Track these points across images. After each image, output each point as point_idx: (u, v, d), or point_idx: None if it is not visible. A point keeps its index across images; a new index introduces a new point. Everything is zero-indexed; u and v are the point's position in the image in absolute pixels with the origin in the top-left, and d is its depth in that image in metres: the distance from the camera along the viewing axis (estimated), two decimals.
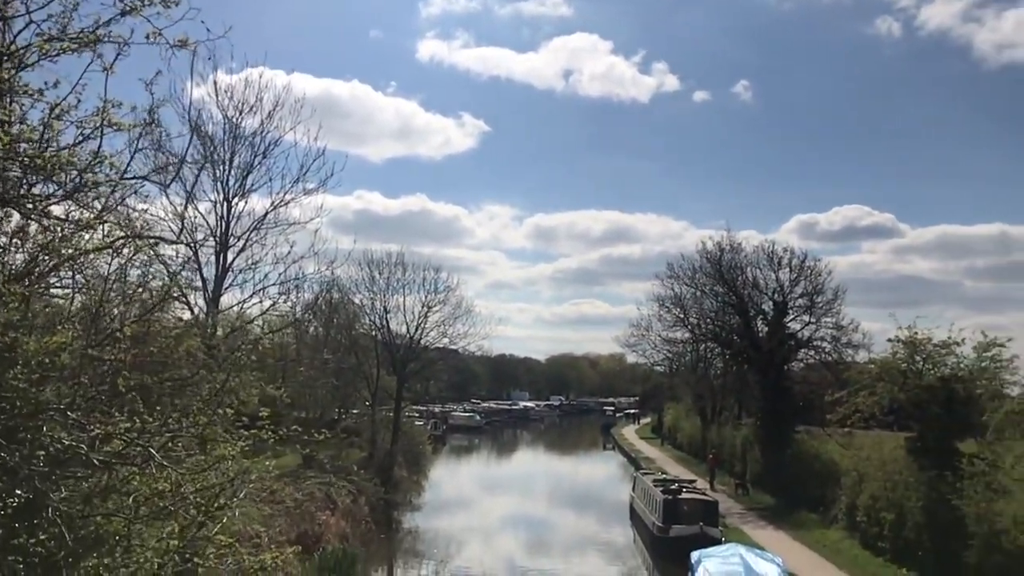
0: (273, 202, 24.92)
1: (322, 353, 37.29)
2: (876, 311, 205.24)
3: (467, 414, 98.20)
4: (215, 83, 24.48)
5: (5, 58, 7.86)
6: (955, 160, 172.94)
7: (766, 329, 44.10)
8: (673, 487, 31.81)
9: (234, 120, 24.96)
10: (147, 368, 10.66)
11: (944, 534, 22.23)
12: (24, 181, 8.36)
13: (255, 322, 27.39)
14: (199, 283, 22.52)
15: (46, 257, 8.59)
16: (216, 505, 9.09)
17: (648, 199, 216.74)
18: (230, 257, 24.13)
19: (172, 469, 8.28)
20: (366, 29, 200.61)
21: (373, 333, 44.90)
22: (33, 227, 8.64)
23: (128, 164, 9.12)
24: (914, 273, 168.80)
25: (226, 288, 23.95)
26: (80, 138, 8.04)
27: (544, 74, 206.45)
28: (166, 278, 11.61)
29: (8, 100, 7.92)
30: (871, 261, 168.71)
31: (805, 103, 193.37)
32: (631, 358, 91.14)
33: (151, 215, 15.78)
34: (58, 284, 9.70)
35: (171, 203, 22.29)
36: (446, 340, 45.76)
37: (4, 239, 8.58)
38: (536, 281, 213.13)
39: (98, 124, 7.90)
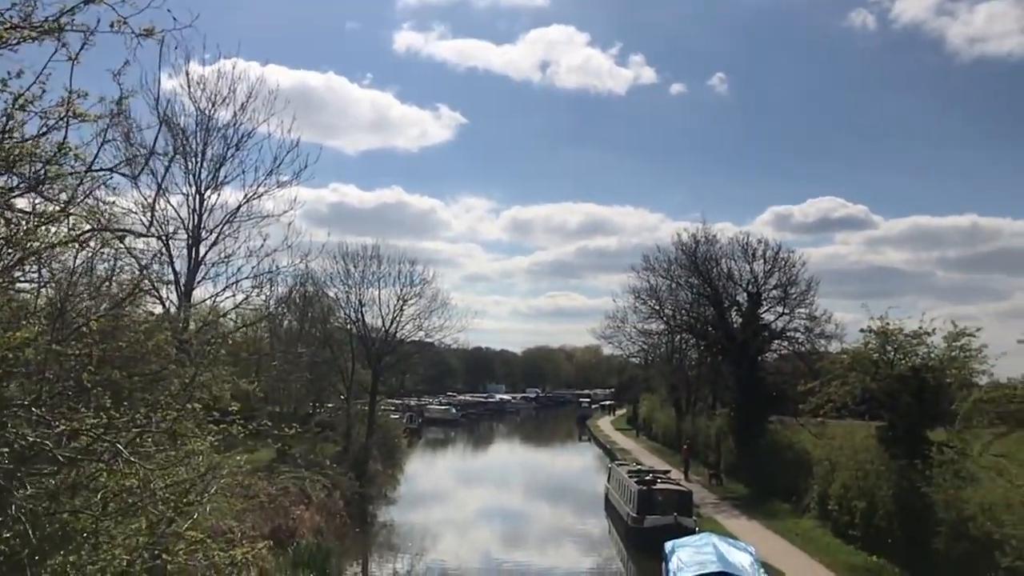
0: (246, 195, 24.78)
1: (296, 347, 37.04)
2: (849, 302, 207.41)
3: (443, 407, 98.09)
4: (187, 74, 24.24)
5: None
6: (928, 152, 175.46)
7: (740, 320, 44.48)
8: (647, 478, 31.98)
9: (207, 112, 24.75)
10: (116, 363, 10.53)
11: (913, 521, 22.55)
12: None
13: (228, 316, 27.25)
14: (171, 277, 22.32)
15: (10, 251, 8.43)
16: (186, 501, 9.01)
17: (624, 191, 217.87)
18: (202, 250, 23.94)
19: (140, 465, 8.17)
20: (342, 20, 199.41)
21: (348, 327, 44.66)
22: None
23: (96, 156, 8.99)
24: (887, 264, 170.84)
25: (198, 282, 23.76)
26: (44, 129, 7.89)
27: (521, 66, 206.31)
28: (136, 272, 11.48)
29: None
30: (844, 252, 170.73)
31: (780, 96, 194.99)
32: (607, 350, 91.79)
33: (121, 208, 15.52)
34: (23, 278, 9.54)
35: (143, 196, 22.08)
36: (422, 333, 45.64)
37: None
38: (512, 274, 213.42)
39: (63, 115, 7.75)
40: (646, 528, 28.71)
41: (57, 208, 8.26)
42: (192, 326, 20.26)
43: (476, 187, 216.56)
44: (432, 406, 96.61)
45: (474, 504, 43.99)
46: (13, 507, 7.61)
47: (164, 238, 20.56)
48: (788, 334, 43.27)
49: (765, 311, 43.86)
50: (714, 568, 19.10)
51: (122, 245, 10.28)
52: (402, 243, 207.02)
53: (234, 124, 24.94)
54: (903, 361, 25.64)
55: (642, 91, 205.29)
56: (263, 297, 28.18)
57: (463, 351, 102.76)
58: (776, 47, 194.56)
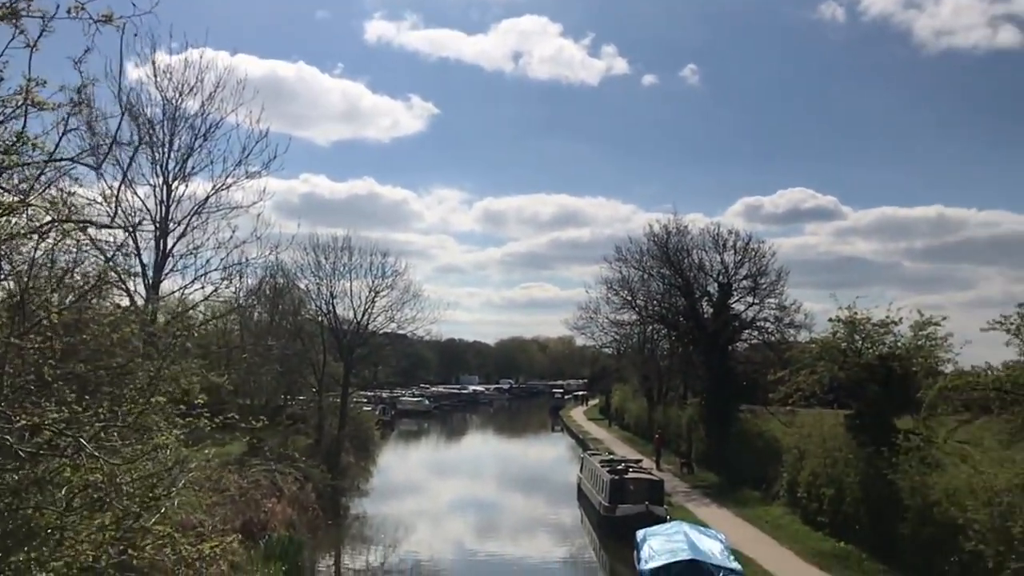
0: (215, 185, 24.52)
1: (267, 339, 36.74)
2: (818, 292, 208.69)
3: (416, 399, 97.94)
4: (154, 64, 23.91)
5: None
6: (895, 144, 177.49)
7: (711, 310, 44.80)
8: (619, 467, 32.17)
9: (174, 101, 24.41)
10: (82, 356, 10.37)
11: (880, 508, 22.90)
12: None
13: (197, 308, 26.95)
14: (138, 269, 22.05)
15: None
16: (152, 495, 8.90)
17: (597, 183, 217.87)
18: (171, 242, 23.66)
19: (104, 460, 8.05)
20: (312, 9, 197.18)
21: (319, 319, 44.38)
22: None
23: (57, 146, 8.82)
24: (855, 254, 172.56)
25: (166, 274, 23.48)
26: (1, 118, 7.72)
27: (493, 56, 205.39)
28: (101, 264, 11.29)
29: None
30: (814, 243, 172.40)
31: (751, 88, 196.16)
32: (580, 341, 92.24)
33: (85, 198, 15.26)
34: None
35: (109, 187, 21.72)
36: (394, 325, 45.45)
37: None
38: (486, 265, 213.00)
39: (20, 103, 7.59)
40: (618, 517, 28.92)
41: (16, 199, 8.08)
42: (160, 319, 20.06)
43: (448, 178, 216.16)
44: (405, 398, 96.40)
45: (447, 495, 44.01)
46: None
47: (130, 229, 20.22)
48: (758, 324, 43.71)
49: (735, 301, 44.24)
50: (685, 556, 19.30)
51: (85, 236, 10.10)
52: (374, 234, 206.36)
53: (202, 114, 24.66)
54: (871, 350, 25.99)
55: (614, 82, 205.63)
56: (233, 289, 28.00)
57: (436, 343, 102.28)
58: (747, 39, 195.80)
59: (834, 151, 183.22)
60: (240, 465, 27.57)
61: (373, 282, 43.55)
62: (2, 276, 9.47)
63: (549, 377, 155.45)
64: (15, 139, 7.68)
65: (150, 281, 22.65)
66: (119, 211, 20.00)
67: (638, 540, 22.02)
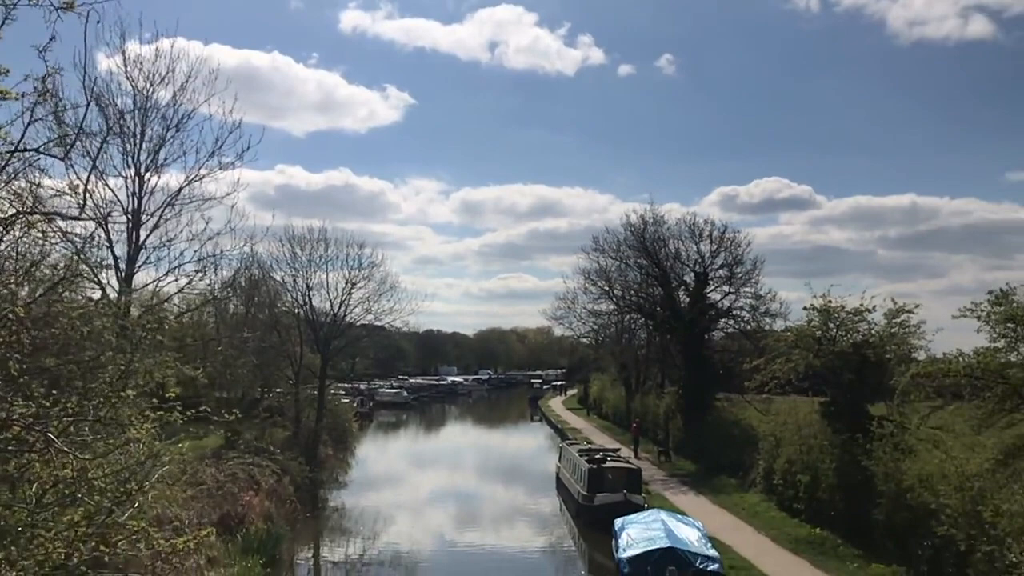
0: (188, 177, 24.21)
1: (243, 332, 36.40)
2: (793, 281, 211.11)
3: (394, 390, 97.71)
4: (124, 53, 23.50)
5: None
6: (869, 133, 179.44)
7: (687, 300, 45.08)
8: (598, 456, 32.26)
9: (145, 92, 24.04)
10: (52, 350, 10.20)
11: (855, 494, 23.15)
12: None
13: (171, 301, 26.68)
14: (110, 261, 21.73)
15: None
16: (125, 489, 8.77)
17: (574, 173, 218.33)
18: (143, 234, 23.36)
19: (74, 454, 7.92)
20: None
21: (296, 311, 44.02)
22: None
23: (23, 135, 8.66)
24: (830, 243, 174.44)
25: (139, 266, 23.20)
26: None
27: (469, 45, 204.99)
28: (71, 256, 11.11)
29: None
30: (789, 232, 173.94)
31: (727, 77, 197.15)
32: (558, 331, 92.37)
33: (53, 189, 15.03)
34: None
35: (79, 178, 21.39)
36: (371, 317, 45.15)
37: None
38: (463, 256, 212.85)
39: None
40: (596, 506, 29.02)
41: None
42: (134, 311, 19.82)
43: (425, 169, 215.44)
44: (383, 389, 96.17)
45: (426, 486, 43.96)
46: None
47: (100, 221, 19.97)
48: (734, 313, 44.06)
49: (712, 290, 44.58)
50: (663, 544, 19.43)
51: (52, 228, 9.93)
52: (351, 226, 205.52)
53: (174, 104, 24.30)
54: (845, 338, 26.22)
55: (591, 72, 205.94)
56: (207, 281, 27.70)
57: (414, 334, 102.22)
58: (722, 29, 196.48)
59: (809, 141, 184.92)
60: (217, 458, 27.35)
61: (350, 273, 43.23)
62: None
63: (528, 367, 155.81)
64: None
65: (123, 273, 22.35)
66: (89, 202, 19.73)
67: (616, 528, 22.14)
